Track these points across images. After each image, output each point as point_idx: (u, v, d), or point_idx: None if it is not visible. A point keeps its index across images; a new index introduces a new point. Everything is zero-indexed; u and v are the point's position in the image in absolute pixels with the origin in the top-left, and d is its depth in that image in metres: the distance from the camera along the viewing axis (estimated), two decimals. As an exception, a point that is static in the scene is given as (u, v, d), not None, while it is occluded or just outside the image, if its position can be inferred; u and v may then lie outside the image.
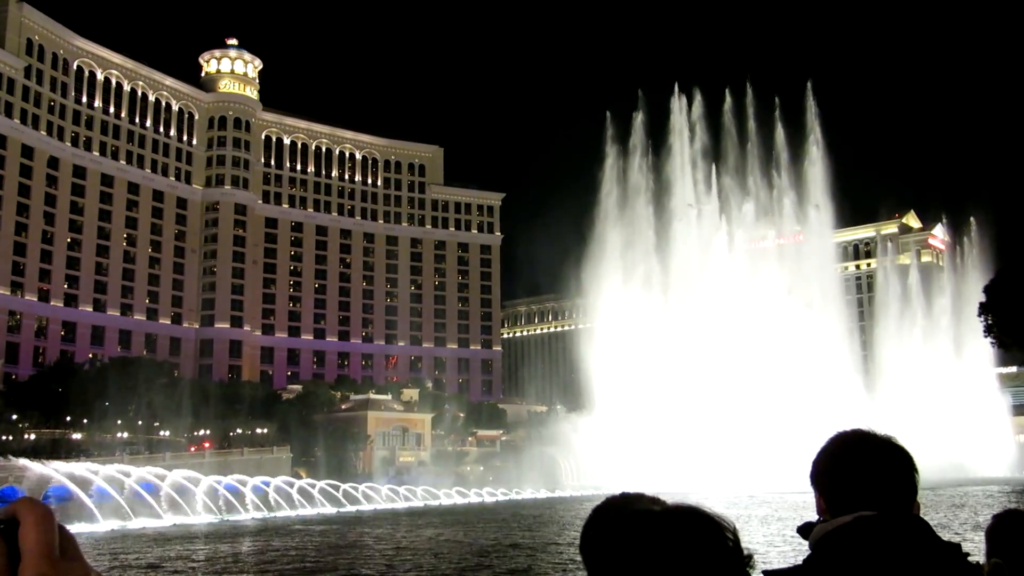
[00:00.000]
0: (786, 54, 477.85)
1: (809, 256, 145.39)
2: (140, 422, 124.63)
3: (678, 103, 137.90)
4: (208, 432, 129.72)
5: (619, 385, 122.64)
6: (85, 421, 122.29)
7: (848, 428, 3.64)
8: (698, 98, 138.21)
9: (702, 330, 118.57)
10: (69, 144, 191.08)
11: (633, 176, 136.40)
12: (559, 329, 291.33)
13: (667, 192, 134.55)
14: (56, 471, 73.59)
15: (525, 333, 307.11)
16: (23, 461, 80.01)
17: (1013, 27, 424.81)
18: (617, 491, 2.53)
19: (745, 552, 2.25)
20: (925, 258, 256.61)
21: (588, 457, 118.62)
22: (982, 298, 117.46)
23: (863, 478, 3.42)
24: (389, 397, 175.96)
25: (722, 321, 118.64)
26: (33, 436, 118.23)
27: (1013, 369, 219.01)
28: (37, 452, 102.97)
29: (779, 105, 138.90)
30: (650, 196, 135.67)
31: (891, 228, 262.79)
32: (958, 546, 3.20)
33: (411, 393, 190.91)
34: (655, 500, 2.34)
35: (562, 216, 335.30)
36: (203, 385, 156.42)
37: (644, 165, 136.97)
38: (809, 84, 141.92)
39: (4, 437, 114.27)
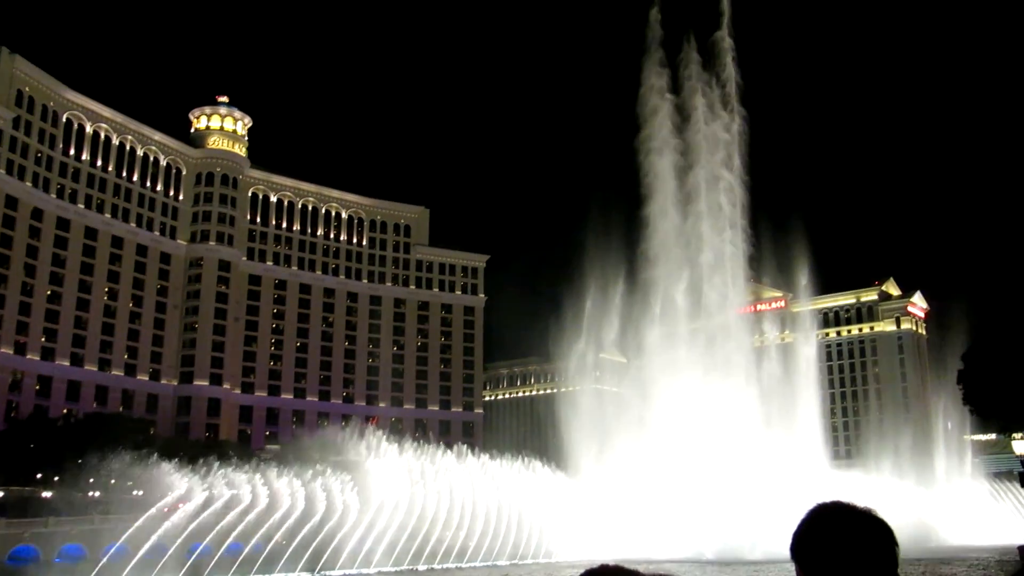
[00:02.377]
0: (772, 130, 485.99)
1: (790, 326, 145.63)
2: (113, 481, 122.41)
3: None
4: (184, 492, 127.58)
5: (595, 451, 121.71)
6: (56, 479, 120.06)
7: (828, 500, 3.58)
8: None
9: (672, 399, 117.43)
10: (55, 196, 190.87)
11: (612, 248, 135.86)
12: (540, 392, 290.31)
13: (645, 264, 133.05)
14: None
15: (507, 396, 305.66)
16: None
17: (987, 102, 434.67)
18: (594, 563, 2.44)
19: None
20: (905, 325, 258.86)
21: (562, 523, 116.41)
22: (961, 366, 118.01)
23: (843, 551, 3.34)
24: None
25: (690, 389, 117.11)
26: (1, 493, 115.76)
27: (992, 436, 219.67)
28: (5, 510, 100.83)
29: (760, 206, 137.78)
30: (626, 267, 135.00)
31: (871, 296, 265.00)
32: None
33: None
34: (634, 572, 2.33)
35: (545, 280, 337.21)
36: (179, 444, 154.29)
37: (623, 241, 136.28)
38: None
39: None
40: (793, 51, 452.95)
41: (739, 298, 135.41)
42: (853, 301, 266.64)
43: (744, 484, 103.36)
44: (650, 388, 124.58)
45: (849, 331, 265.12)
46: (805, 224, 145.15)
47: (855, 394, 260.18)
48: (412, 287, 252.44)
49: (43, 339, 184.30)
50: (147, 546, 70.18)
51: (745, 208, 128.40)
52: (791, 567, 3.57)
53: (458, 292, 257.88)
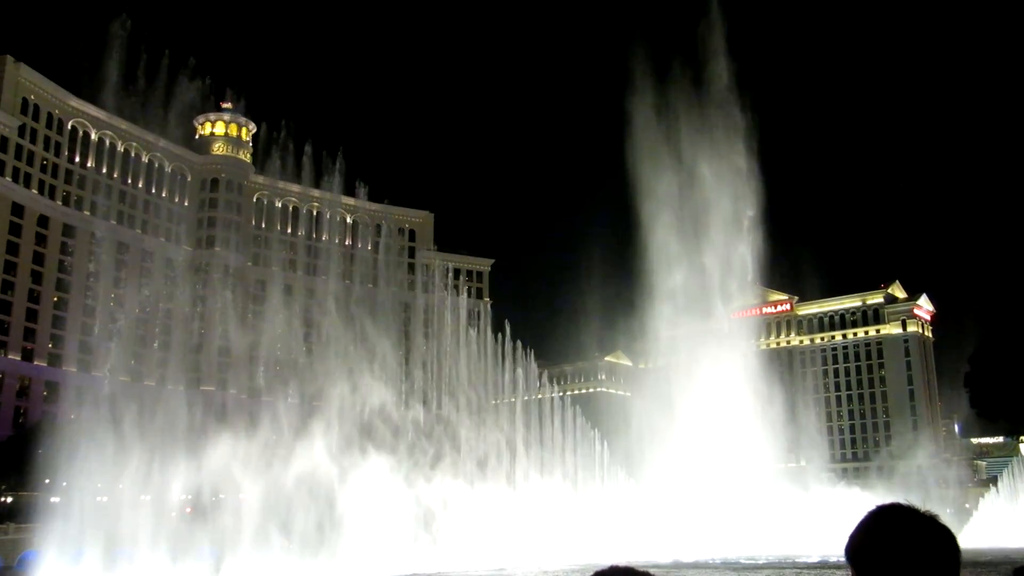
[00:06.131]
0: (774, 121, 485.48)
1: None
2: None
3: None
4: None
5: (596, 454, 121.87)
6: (65, 484, 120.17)
7: (888, 502, 3.50)
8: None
9: (676, 402, 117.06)
10: (60, 203, 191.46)
11: (617, 252, 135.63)
12: (543, 396, 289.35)
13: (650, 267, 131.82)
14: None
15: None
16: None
17: (995, 104, 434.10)
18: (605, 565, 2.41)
19: None
20: (911, 328, 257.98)
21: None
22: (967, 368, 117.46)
23: (904, 557, 3.20)
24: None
25: (694, 392, 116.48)
26: (10, 499, 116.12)
27: (999, 439, 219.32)
28: (12, 515, 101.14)
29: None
30: (631, 271, 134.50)
31: (877, 298, 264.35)
32: None
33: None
34: (630, 571, 2.32)
35: (550, 283, 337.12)
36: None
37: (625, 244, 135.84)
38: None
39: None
40: (799, 53, 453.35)
41: (745, 301, 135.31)
42: (859, 304, 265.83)
43: (733, 487, 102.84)
44: (655, 391, 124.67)
45: (855, 334, 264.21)
46: (812, 227, 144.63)
47: (861, 397, 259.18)
48: (417, 291, 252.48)
49: (50, 346, 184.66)
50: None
51: (753, 210, 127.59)
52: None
53: (463, 296, 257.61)
